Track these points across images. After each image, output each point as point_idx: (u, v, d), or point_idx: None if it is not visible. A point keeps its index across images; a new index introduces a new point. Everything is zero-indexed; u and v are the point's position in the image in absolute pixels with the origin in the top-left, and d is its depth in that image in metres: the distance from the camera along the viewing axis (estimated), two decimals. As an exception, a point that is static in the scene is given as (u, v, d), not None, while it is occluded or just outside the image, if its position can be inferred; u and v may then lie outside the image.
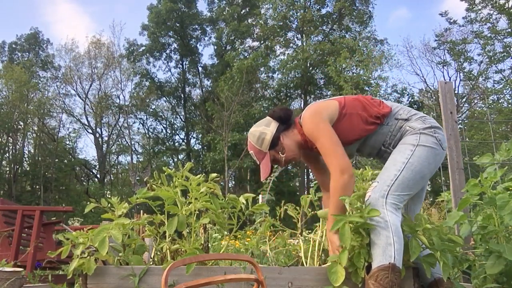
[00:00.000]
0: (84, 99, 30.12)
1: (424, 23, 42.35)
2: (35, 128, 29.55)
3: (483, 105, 22.90)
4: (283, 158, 2.10)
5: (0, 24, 43.18)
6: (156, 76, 30.47)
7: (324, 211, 2.13)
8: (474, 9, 23.28)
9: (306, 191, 23.69)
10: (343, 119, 2.02)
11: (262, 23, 27.09)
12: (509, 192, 2.29)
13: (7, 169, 28.30)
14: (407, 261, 1.96)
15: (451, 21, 24.44)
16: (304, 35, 26.69)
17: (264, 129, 2.11)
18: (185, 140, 30.96)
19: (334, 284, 1.80)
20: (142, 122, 31.15)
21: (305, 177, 26.92)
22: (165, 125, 31.49)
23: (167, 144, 30.81)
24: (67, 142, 30.82)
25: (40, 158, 28.92)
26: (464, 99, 24.73)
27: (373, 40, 25.52)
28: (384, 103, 2.09)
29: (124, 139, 31.10)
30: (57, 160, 28.89)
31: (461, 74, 25.01)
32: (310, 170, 2.32)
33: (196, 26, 30.47)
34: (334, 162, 1.92)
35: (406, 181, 1.89)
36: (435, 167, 1.99)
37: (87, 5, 46.98)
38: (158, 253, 2.16)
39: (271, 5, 26.48)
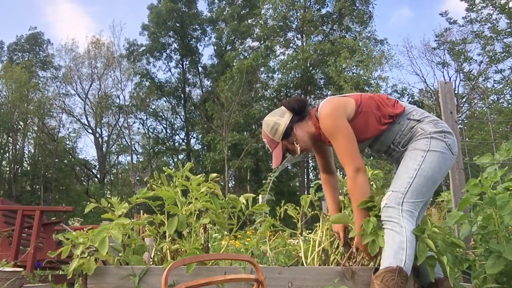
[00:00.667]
0: (84, 99, 30.14)
1: (426, 22, 42.44)
2: (35, 128, 29.55)
3: (483, 105, 22.89)
4: (296, 148, 2.13)
5: (1, 24, 43.19)
6: (156, 76, 30.50)
7: (337, 217, 2.15)
8: (474, 9, 23.27)
9: (306, 191, 23.70)
10: (358, 117, 2.04)
11: (262, 23, 27.08)
12: (509, 192, 2.29)
13: (7, 169, 28.29)
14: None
15: (451, 21, 24.46)
16: (304, 35, 26.69)
17: (278, 119, 2.14)
18: (185, 140, 30.97)
19: (372, 253, 1.86)
20: (142, 122, 31.19)
21: (305, 177, 26.92)
22: (165, 125, 31.53)
23: (167, 144, 30.81)
24: (67, 142, 30.81)
25: (40, 158, 28.92)
26: (464, 99, 24.73)
27: (373, 40, 25.53)
28: (399, 103, 2.11)
29: (124, 139, 31.14)
30: (57, 160, 28.89)
31: (461, 74, 25.02)
32: (311, 164, 2.33)
33: (196, 26, 30.47)
34: (349, 161, 1.96)
35: (419, 187, 1.91)
36: (445, 171, 2.01)
37: (88, 5, 47.02)
38: (158, 253, 2.16)
39: (271, 5, 26.47)
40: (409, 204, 1.88)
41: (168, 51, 30.38)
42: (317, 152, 2.33)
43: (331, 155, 2.35)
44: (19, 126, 28.41)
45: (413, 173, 1.92)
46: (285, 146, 2.14)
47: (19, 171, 28.62)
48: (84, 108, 30.28)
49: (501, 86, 22.69)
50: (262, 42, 28.44)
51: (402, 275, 1.74)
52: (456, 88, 24.34)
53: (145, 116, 30.98)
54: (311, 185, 2.43)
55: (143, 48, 29.69)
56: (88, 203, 2.14)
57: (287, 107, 2.17)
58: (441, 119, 2.78)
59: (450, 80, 22.49)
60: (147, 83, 30.12)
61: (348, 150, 1.97)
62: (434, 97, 24.20)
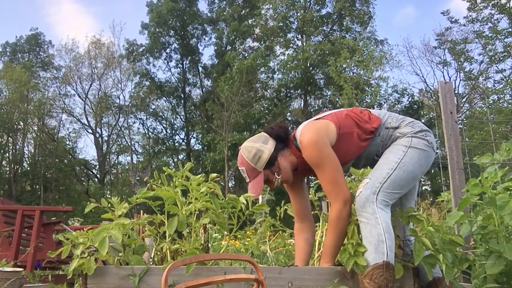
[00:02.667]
0: (84, 99, 30.13)
1: (430, 21, 42.54)
2: (35, 128, 29.55)
3: (483, 105, 22.89)
4: (278, 179, 2.04)
5: (4, 24, 43.18)
6: (156, 76, 30.49)
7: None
8: (476, 8, 23.27)
9: (306, 191, 23.64)
10: (340, 140, 1.99)
11: (262, 23, 27.09)
12: (509, 192, 2.29)
13: (7, 169, 28.28)
14: (408, 261, 1.96)
15: (453, 20, 24.47)
16: (304, 35, 26.68)
17: (261, 146, 2.02)
18: (185, 140, 30.96)
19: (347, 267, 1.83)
20: (142, 122, 31.17)
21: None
22: (165, 125, 31.51)
23: (167, 144, 30.80)
24: (67, 142, 30.82)
25: (40, 158, 28.91)
26: (464, 99, 24.73)
27: (373, 40, 25.53)
28: (372, 113, 2.08)
29: (124, 139, 31.14)
30: (57, 160, 28.89)
31: (461, 74, 25.02)
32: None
33: (197, 26, 30.46)
34: (338, 192, 1.91)
35: (398, 180, 1.90)
36: (426, 168, 2.01)
37: (91, 5, 46.94)
38: (158, 253, 2.16)
39: (271, 6, 26.48)
40: (384, 194, 1.87)
41: (168, 51, 30.39)
42: (294, 195, 2.22)
43: (308, 198, 2.26)
44: (19, 126, 28.40)
45: (394, 165, 1.91)
46: (266, 176, 2.02)
47: (19, 171, 28.61)
48: (84, 108, 30.31)
49: (501, 86, 22.71)
50: (262, 42, 28.44)
51: (389, 269, 1.76)
52: (456, 88, 24.35)
53: (145, 116, 31.01)
54: (311, 185, 2.42)
55: (143, 48, 29.71)
56: (88, 203, 2.13)
57: (271, 134, 2.06)
58: (441, 119, 2.79)
59: (450, 80, 22.53)
60: (147, 83, 30.12)
61: (336, 180, 1.91)
62: (434, 97, 24.21)
